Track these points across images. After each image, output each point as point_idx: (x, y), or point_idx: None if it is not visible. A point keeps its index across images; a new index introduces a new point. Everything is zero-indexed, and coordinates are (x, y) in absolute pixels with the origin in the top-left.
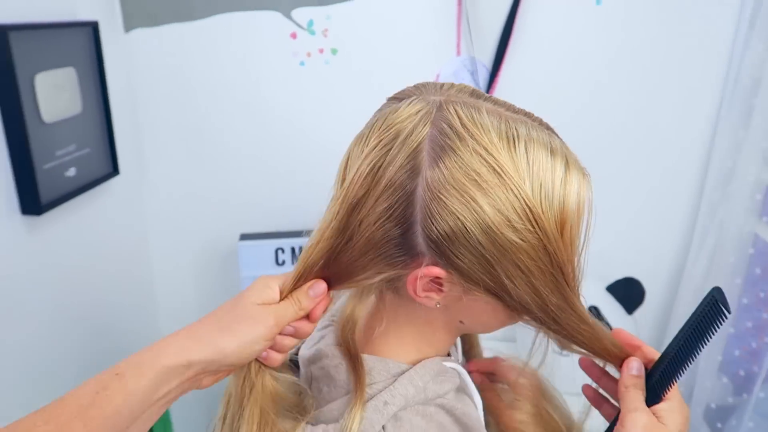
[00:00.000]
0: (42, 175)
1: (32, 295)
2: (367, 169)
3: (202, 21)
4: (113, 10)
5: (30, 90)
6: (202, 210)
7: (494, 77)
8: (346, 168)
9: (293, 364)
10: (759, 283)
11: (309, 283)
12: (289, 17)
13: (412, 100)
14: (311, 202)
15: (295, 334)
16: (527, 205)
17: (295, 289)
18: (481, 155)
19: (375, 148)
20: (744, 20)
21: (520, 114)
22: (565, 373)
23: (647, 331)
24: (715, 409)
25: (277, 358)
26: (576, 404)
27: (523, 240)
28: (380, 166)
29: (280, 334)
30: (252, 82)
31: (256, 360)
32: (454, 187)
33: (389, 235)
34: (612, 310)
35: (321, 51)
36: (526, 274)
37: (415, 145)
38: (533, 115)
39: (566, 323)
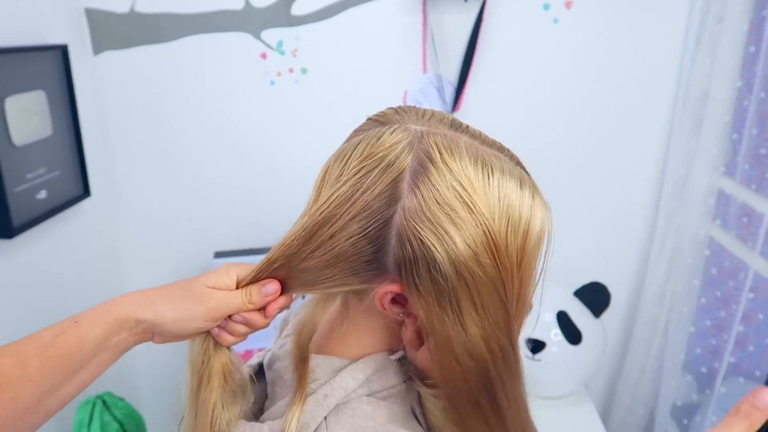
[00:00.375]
0: (13, 198)
1: (4, 319)
2: (347, 191)
3: (172, 43)
4: (82, 34)
5: (0, 113)
6: (176, 229)
7: (460, 93)
8: (323, 181)
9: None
10: (716, 283)
11: (264, 281)
12: (258, 38)
13: (395, 129)
14: (284, 219)
15: (246, 323)
16: (494, 240)
17: (253, 282)
18: (456, 189)
19: (356, 173)
20: (691, 37)
21: (493, 148)
22: (537, 378)
23: (614, 332)
24: (681, 407)
25: (227, 339)
26: (549, 407)
27: (484, 274)
28: (359, 190)
29: (231, 320)
30: (223, 102)
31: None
32: (428, 219)
33: (360, 252)
34: (580, 314)
35: (291, 70)
36: (480, 308)
37: (396, 173)
38: (504, 147)
39: (501, 373)
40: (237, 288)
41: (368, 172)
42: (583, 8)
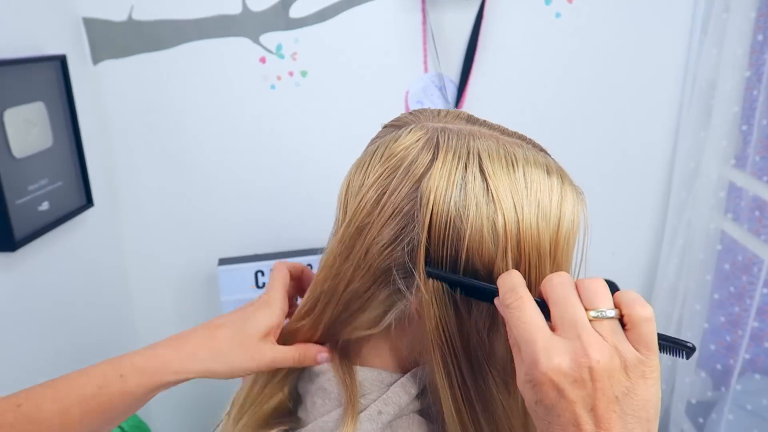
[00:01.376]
0: (15, 210)
1: (9, 333)
2: (373, 197)
3: (171, 50)
4: (81, 43)
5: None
6: (179, 237)
7: (462, 91)
8: (346, 196)
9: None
10: (729, 278)
11: (321, 348)
12: (257, 42)
13: (412, 128)
14: (288, 224)
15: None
16: (525, 229)
17: (300, 316)
18: (481, 182)
19: (380, 177)
20: (697, 27)
21: (514, 137)
22: None
23: None
24: (696, 405)
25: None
26: None
27: (516, 266)
28: (385, 193)
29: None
30: (223, 107)
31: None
32: (458, 215)
33: (396, 263)
34: None
35: (291, 74)
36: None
37: (420, 172)
38: (526, 137)
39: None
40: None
41: (391, 173)
42: (586, 1)
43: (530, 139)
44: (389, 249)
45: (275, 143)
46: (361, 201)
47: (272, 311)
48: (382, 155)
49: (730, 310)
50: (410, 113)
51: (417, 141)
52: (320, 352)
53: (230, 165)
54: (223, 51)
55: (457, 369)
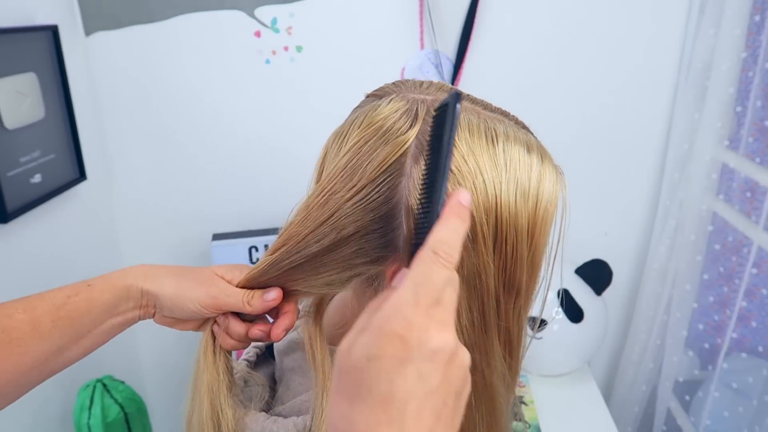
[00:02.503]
0: (6, 182)
1: None
2: (347, 163)
3: (164, 22)
4: (73, 14)
5: None
6: (173, 212)
7: (458, 69)
8: (322, 165)
9: (269, 353)
10: (719, 258)
11: (269, 289)
12: (252, 16)
13: (393, 98)
14: (282, 199)
15: (248, 333)
16: (503, 207)
17: (254, 275)
18: (462, 154)
19: (356, 144)
20: (694, 6)
21: (496, 113)
22: (539, 356)
23: (616, 309)
24: (683, 383)
25: (226, 340)
26: (551, 385)
27: (489, 246)
28: (360, 161)
29: (234, 318)
30: (217, 81)
31: (213, 338)
32: None
33: (367, 230)
34: (582, 291)
35: (286, 49)
36: (477, 282)
37: (398, 142)
38: (509, 113)
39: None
40: (239, 287)
41: (367, 141)
42: None
43: (513, 116)
44: (361, 214)
45: (270, 118)
46: (334, 168)
47: (237, 268)
48: (361, 123)
49: (718, 290)
50: (393, 83)
51: (396, 111)
52: (266, 293)
53: (224, 140)
54: (217, 24)
55: None
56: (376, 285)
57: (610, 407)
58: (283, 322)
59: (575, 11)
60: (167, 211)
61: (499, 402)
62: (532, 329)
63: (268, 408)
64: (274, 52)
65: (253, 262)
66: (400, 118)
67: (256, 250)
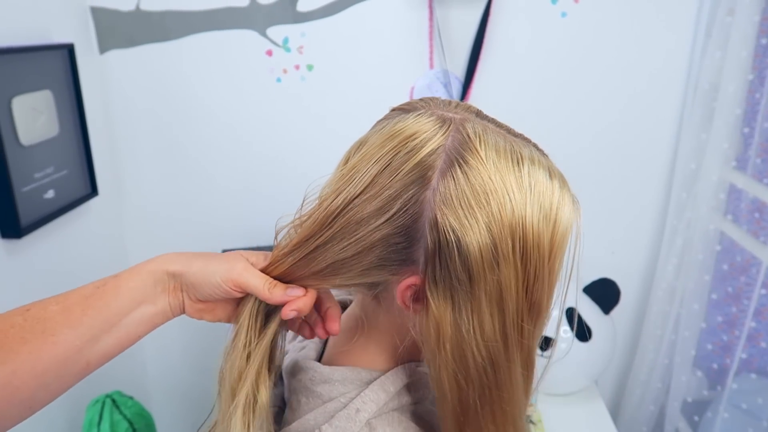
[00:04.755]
0: (21, 198)
1: None
2: (370, 173)
3: (177, 41)
4: (88, 33)
5: (7, 113)
6: (183, 227)
7: (467, 89)
8: (343, 165)
9: (279, 376)
10: (727, 279)
11: (292, 285)
12: (264, 35)
13: (421, 113)
14: (291, 216)
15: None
16: (525, 228)
17: (270, 267)
18: (490, 177)
19: (380, 155)
20: (701, 30)
21: (519, 137)
22: (546, 375)
23: (624, 328)
24: (692, 403)
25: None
26: (558, 404)
27: (513, 265)
28: (383, 172)
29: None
30: (229, 100)
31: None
32: (461, 205)
33: (385, 240)
34: (589, 310)
35: (297, 67)
36: (501, 303)
37: (425, 154)
38: (529, 139)
39: (502, 375)
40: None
41: (395, 154)
42: (591, 1)
43: (534, 143)
44: (380, 224)
45: (280, 136)
46: (354, 175)
47: (263, 254)
48: (388, 134)
49: (727, 310)
50: (421, 99)
51: (425, 125)
52: (290, 288)
53: (235, 157)
54: (229, 43)
55: (453, 372)
56: (385, 302)
57: (617, 427)
58: (296, 303)
59: (584, 32)
60: (177, 227)
61: (521, 423)
62: (542, 349)
63: (278, 429)
64: (285, 71)
65: None
66: (427, 131)
67: None
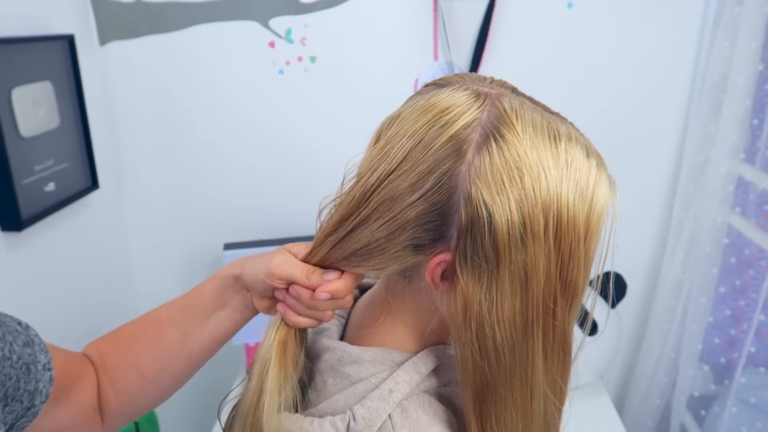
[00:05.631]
0: (21, 190)
1: (13, 312)
2: (404, 147)
3: (179, 32)
4: (88, 24)
5: (7, 104)
6: (185, 221)
7: None
8: (376, 140)
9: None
10: (734, 272)
11: (329, 270)
12: (266, 26)
13: (456, 87)
14: (295, 209)
15: (298, 299)
16: (561, 206)
17: (310, 253)
18: (527, 152)
19: (415, 129)
20: (709, 19)
21: (555, 115)
22: None
23: (630, 322)
24: (698, 398)
25: (290, 317)
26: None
27: (547, 246)
28: (417, 146)
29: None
30: (231, 92)
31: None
32: (497, 181)
33: (419, 216)
34: (596, 304)
35: (300, 59)
36: (532, 282)
37: (460, 127)
38: (565, 118)
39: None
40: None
41: (429, 128)
42: None
43: (571, 122)
44: (414, 201)
45: (282, 128)
46: (389, 150)
47: (305, 244)
48: (423, 108)
49: (735, 303)
50: (456, 75)
51: (461, 98)
52: (327, 272)
53: (236, 150)
54: (231, 34)
55: (477, 353)
56: (414, 280)
57: (623, 421)
58: (331, 284)
59: (590, 23)
60: (179, 220)
61: (549, 408)
62: (582, 328)
63: (296, 410)
64: (288, 63)
65: None
66: (462, 105)
67: None
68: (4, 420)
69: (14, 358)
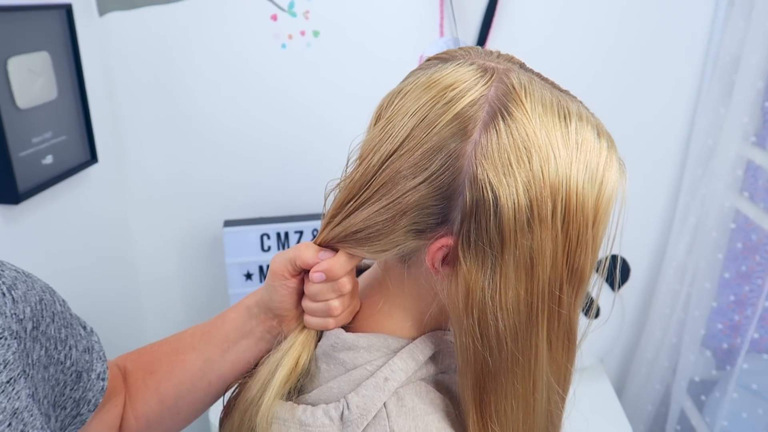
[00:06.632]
0: (18, 163)
1: None
2: (406, 126)
3: (179, 4)
4: None
5: (3, 74)
6: (185, 197)
7: None
8: (377, 119)
9: None
10: (740, 257)
11: (323, 249)
12: None
13: (461, 62)
14: (296, 187)
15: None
16: (570, 188)
17: (319, 238)
18: (535, 129)
19: (419, 105)
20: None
21: (565, 93)
22: None
23: (632, 306)
24: (699, 383)
25: (309, 319)
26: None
27: (554, 229)
28: (422, 125)
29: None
30: (232, 65)
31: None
32: (500, 158)
33: (423, 198)
34: (601, 290)
35: (303, 33)
36: (537, 267)
37: (466, 105)
38: (575, 96)
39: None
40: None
41: (432, 106)
42: None
43: (581, 101)
44: (418, 182)
45: (284, 104)
46: (390, 129)
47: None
48: (426, 83)
49: (739, 289)
50: (460, 48)
51: (466, 74)
52: (320, 251)
53: (238, 125)
54: (233, 6)
55: (478, 341)
56: (414, 265)
57: (623, 405)
58: (327, 263)
59: (600, 0)
60: (179, 196)
61: (552, 397)
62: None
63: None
64: (290, 37)
65: (264, 250)
66: (468, 81)
67: (268, 237)
68: (52, 427)
69: (68, 363)
